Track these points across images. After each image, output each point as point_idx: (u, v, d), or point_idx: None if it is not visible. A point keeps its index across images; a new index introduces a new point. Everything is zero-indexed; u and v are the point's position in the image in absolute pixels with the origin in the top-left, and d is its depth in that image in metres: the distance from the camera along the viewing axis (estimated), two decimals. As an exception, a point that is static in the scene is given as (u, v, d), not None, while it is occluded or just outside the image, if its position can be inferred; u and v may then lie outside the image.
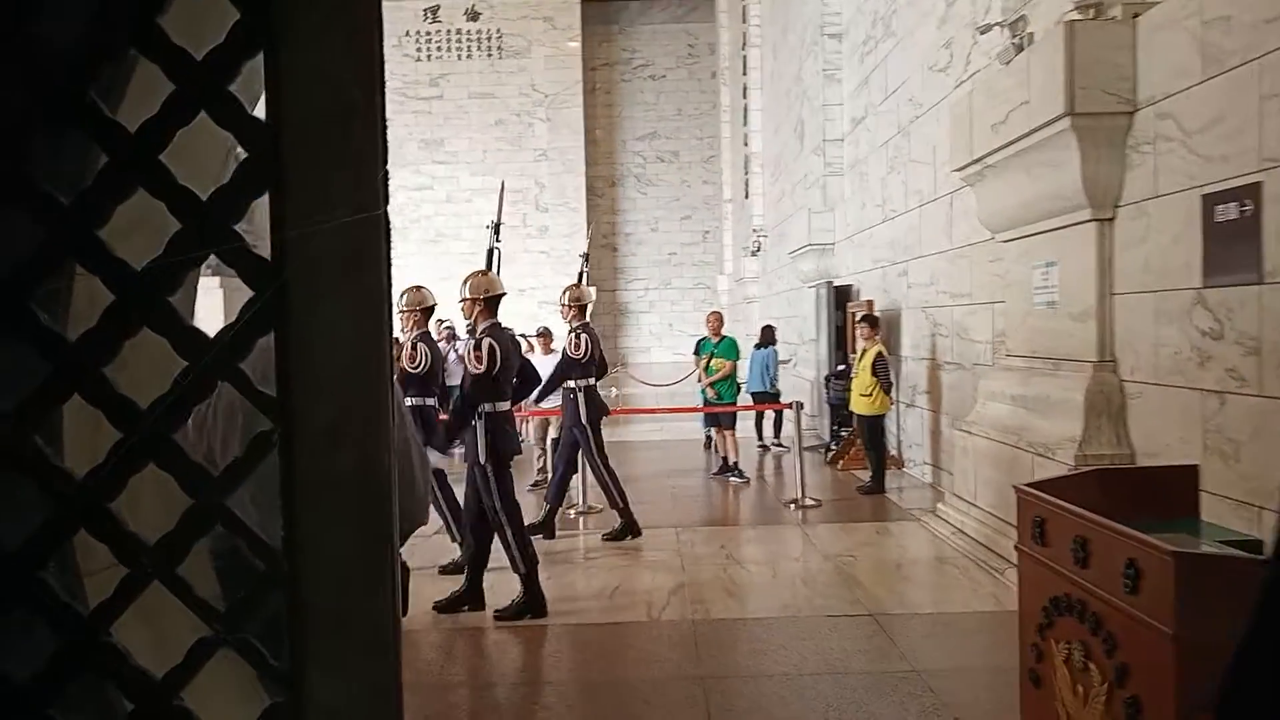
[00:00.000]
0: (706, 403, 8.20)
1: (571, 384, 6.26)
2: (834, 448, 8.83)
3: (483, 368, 4.40)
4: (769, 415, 9.90)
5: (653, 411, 10.27)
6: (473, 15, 23.25)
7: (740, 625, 4.14)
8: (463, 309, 4.66)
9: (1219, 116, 3.50)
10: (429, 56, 23.22)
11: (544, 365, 8.02)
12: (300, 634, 1.13)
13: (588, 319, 6.32)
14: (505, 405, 4.62)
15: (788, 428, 9.25)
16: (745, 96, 18.10)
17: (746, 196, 18.34)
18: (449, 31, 23.25)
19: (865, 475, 7.48)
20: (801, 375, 11.62)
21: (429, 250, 22.93)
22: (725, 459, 8.00)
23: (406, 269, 22.97)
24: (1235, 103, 3.41)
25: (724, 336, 8.17)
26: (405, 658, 3.70)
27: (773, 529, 6.12)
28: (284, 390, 1.12)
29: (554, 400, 7.93)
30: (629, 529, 5.98)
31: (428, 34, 23.22)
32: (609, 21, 24.53)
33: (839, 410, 8.71)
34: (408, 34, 23.10)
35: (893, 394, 7.45)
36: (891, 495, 7.03)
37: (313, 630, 1.14)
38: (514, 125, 23.33)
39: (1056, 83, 4.14)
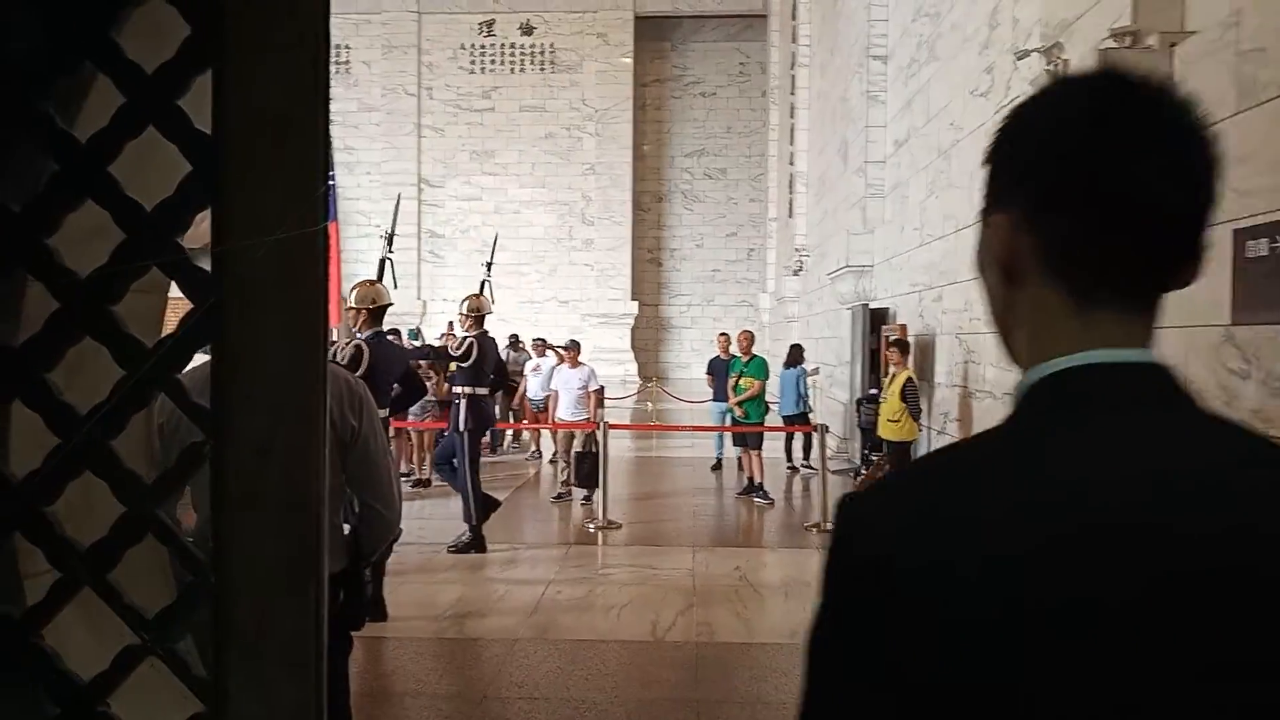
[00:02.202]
0: (735, 422, 8.15)
1: (457, 390, 6.38)
2: (864, 472, 8.72)
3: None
4: (799, 436, 9.83)
5: (676, 429, 10.24)
6: (527, 30, 23.52)
7: (744, 650, 4.09)
8: (348, 317, 4.80)
9: (1253, 150, 3.40)
10: (483, 69, 23.52)
11: (571, 378, 8.06)
12: (222, 647, 1.14)
13: (485, 329, 6.53)
14: (382, 413, 4.71)
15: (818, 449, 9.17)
16: (793, 116, 18.06)
17: (790, 215, 18.27)
18: (503, 45, 23.54)
19: (893, 502, 7.35)
20: (835, 397, 11.51)
21: (475, 260, 23.13)
22: (751, 479, 7.94)
23: (457, 278, 23.25)
24: (1269, 137, 3.31)
25: (754, 356, 8.13)
26: (403, 666, 3.75)
27: (792, 552, 6.05)
28: (218, 403, 1.13)
29: (578, 413, 7.95)
30: (475, 545, 6.07)
31: (482, 47, 23.53)
32: (662, 39, 24.63)
33: (870, 434, 8.61)
34: (463, 47, 23.44)
35: (921, 420, 7.34)
36: (918, 524, 6.91)
37: (235, 644, 1.14)
38: (563, 139, 23.52)
39: (1089, 112, 4.05)
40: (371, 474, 2.13)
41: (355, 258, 19.89)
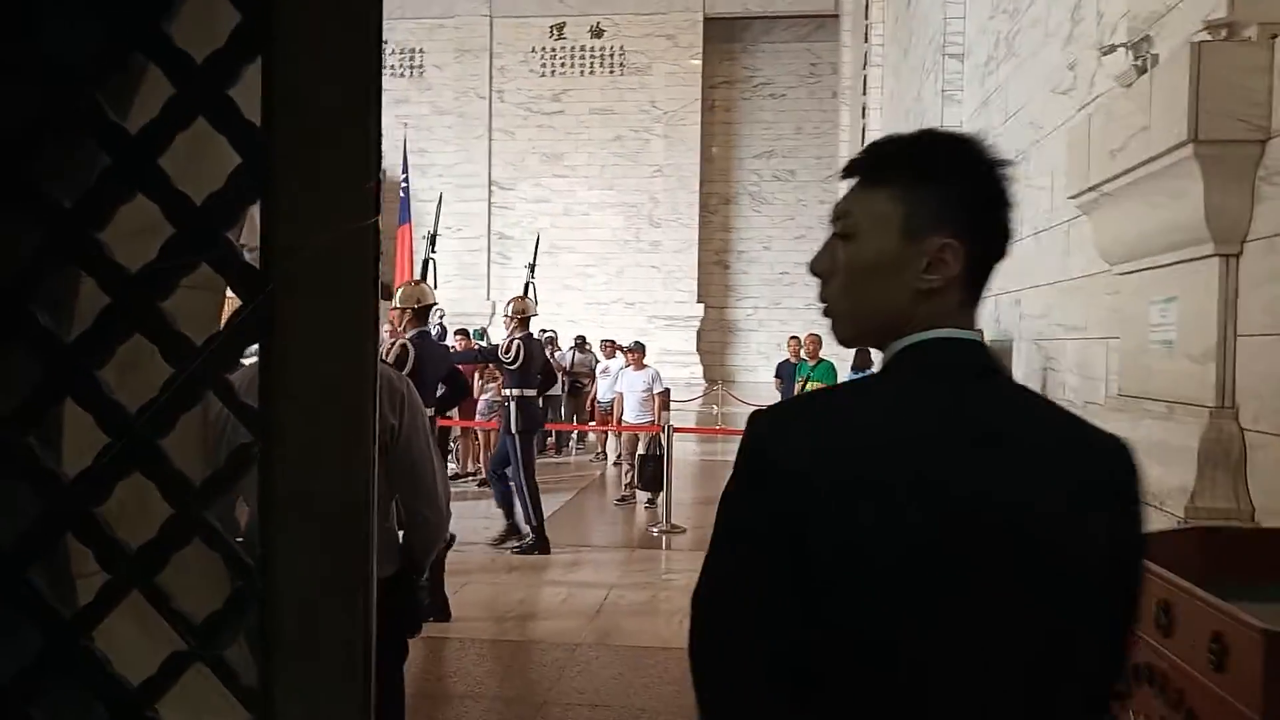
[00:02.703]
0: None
1: (506, 392, 6.40)
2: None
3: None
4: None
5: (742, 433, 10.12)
6: (597, 32, 23.59)
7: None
8: (391, 317, 4.83)
9: (1363, 146, 3.19)
10: (553, 73, 23.66)
11: (635, 380, 8.02)
12: (269, 654, 1.10)
13: (530, 330, 6.58)
14: (428, 412, 4.73)
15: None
16: (864, 116, 17.78)
17: (861, 218, 17.96)
18: (573, 48, 23.64)
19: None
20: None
21: (543, 261, 23.29)
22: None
23: (522, 278, 23.42)
24: (1382, 131, 3.09)
25: (821, 360, 7.98)
26: (464, 668, 3.74)
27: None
28: (267, 403, 1.09)
29: (642, 415, 7.89)
30: (539, 546, 6.12)
31: (552, 50, 23.67)
32: (732, 40, 24.47)
33: (942, 442, 8.39)
34: (533, 50, 23.60)
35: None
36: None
37: (282, 651, 1.11)
38: (631, 141, 23.52)
39: (1180, 107, 3.86)
40: (414, 475, 2.06)
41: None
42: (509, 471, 6.25)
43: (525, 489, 6.12)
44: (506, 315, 6.55)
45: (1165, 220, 4.26)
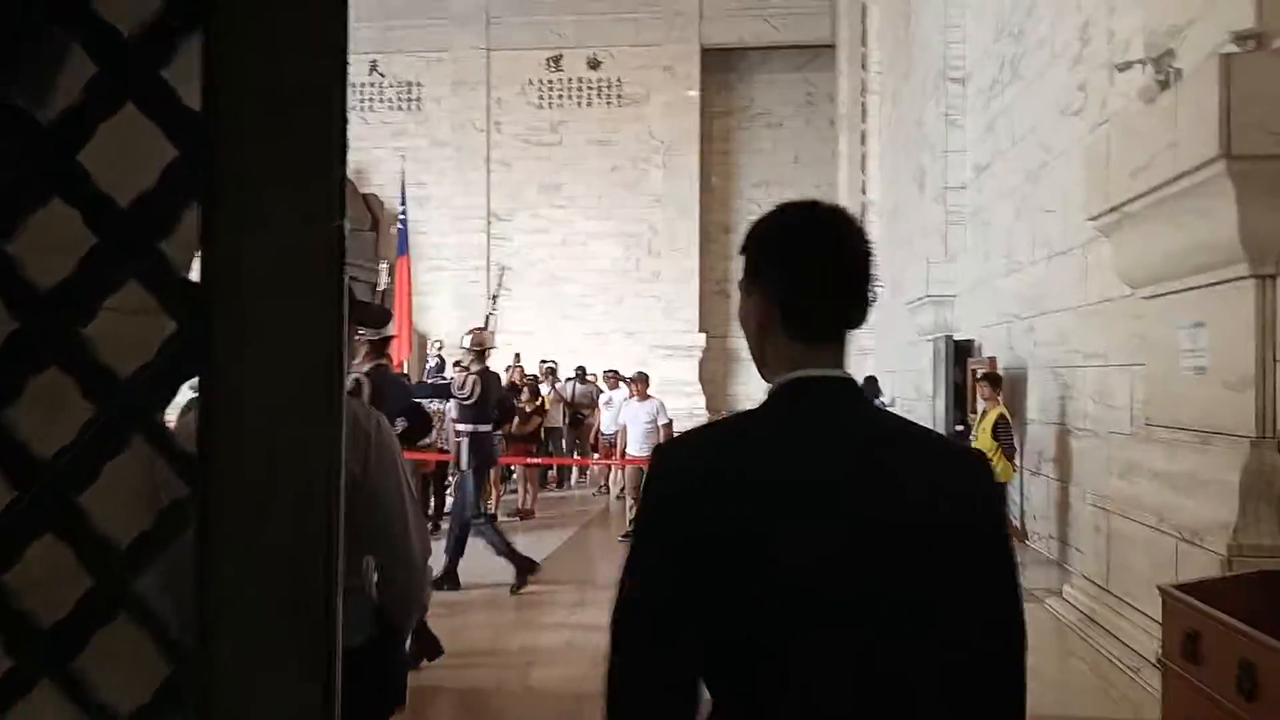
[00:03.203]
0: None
1: (460, 427, 6.19)
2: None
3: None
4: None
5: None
6: (594, 64, 23.66)
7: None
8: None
9: None
10: (550, 104, 23.69)
11: (639, 412, 7.81)
12: (208, 760, 0.89)
13: (487, 364, 6.38)
14: None
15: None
16: (863, 144, 17.72)
17: (863, 246, 17.85)
18: (570, 80, 23.69)
19: (981, 545, 6.91)
20: (915, 433, 11.05)
21: (543, 293, 23.16)
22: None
23: (522, 310, 23.36)
24: None
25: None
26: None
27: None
28: (207, 446, 0.89)
29: (646, 447, 7.67)
30: (520, 573, 5.98)
31: (550, 82, 23.72)
32: (728, 70, 24.54)
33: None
34: (530, 82, 23.65)
35: (1015, 460, 6.89)
36: (1010, 569, 6.45)
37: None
38: (630, 171, 23.50)
39: (1210, 122, 3.69)
40: (382, 531, 1.78)
41: (424, 289, 20.08)
42: (468, 511, 6.06)
43: (457, 525, 5.91)
44: (463, 348, 6.35)
45: (1193, 240, 4.08)
